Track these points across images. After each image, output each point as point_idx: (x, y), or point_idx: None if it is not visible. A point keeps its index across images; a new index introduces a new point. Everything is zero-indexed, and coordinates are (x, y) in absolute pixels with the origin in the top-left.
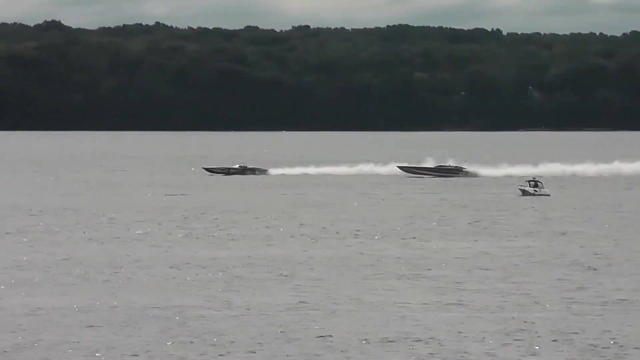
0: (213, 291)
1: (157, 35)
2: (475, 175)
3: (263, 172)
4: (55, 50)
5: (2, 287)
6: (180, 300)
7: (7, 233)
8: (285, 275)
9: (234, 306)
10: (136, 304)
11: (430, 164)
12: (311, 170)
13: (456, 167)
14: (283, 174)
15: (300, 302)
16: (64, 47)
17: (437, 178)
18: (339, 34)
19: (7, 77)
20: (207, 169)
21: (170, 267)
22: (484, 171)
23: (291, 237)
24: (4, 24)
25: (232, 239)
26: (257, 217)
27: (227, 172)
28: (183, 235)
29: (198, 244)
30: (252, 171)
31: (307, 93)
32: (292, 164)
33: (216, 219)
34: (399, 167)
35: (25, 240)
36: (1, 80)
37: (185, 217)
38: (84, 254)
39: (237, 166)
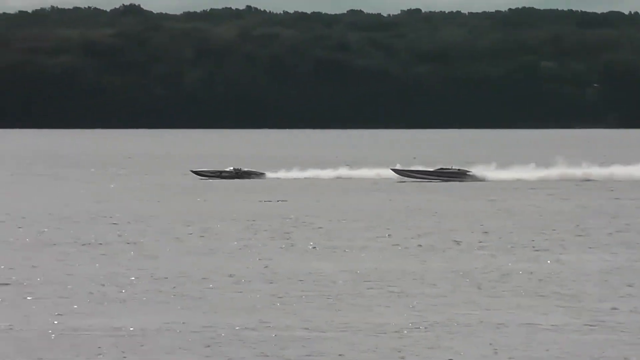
0: (316, 310)
1: (249, 20)
2: (482, 179)
3: (259, 175)
4: (134, 38)
5: (81, 304)
6: (280, 320)
7: (84, 244)
8: (399, 292)
9: (341, 327)
10: (230, 324)
11: (432, 166)
12: (308, 173)
13: (460, 170)
14: (279, 178)
15: (416, 321)
16: (144, 34)
17: (438, 182)
18: (455, 19)
19: (81, 67)
20: (196, 172)
21: (269, 282)
22: (493, 175)
23: (405, 248)
24: (77, 9)
25: (338, 250)
26: (366, 226)
27: (219, 175)
28: (282, 246)
29: (299, 256)
30: (248, 175)
31: (417, 85)
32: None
33: (320, 227)
34: (393, 170)
35: (105, 252)
36: (74, 71)
37: (284, 226)
38: (171, 267)
39: (230, 169)
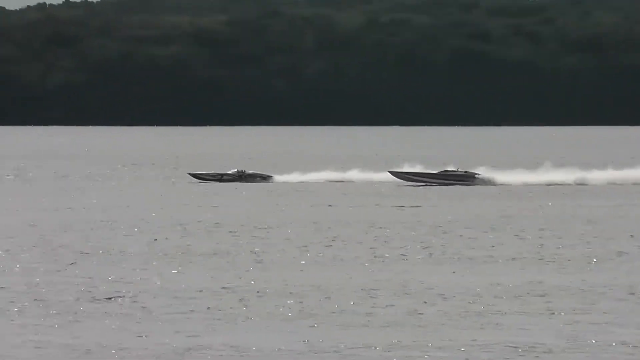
0: (458, 328)
1: (377, 5)
2: (491, 183)
3: (266, 178)
4: (250, 26)
5: (197, 320)
6: (416, 339)
7: (202, 254)
8: (552, 309)
9: (485, 347)
10: (361, 343)
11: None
12: (315, 176)
13: (467, 172)
14: (287, 181)
15: (572, 343)
16: (261, 21)
17: (441, 186)
18: (608, 3)
19: (191, 58)
20: (194, 175)
21: (405, 297)
22: (504, 178)
23: (558, 258)
24: None
25: (482, 262)
26: (516, 235)
27: (220, 178)
28: (419, 256)
29: (438, 268)
30: (252, 178)
31: (567, 77)
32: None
33: (460, 235)
34: (391, 172)
35: (223, 263)
36: (184, 62)
37: (421, 234)
38: (297, 279)
39: (233, 171)
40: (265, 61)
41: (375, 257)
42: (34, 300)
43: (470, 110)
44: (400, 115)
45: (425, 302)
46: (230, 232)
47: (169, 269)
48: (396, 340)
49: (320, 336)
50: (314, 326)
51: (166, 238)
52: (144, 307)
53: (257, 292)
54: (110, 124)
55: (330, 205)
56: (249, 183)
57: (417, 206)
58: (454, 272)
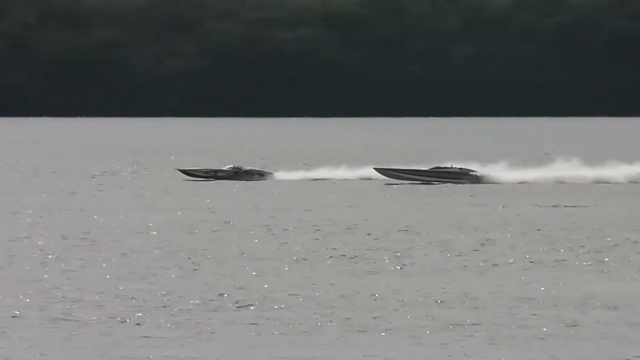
0: (627, 342)
1: None
2: (487, 180)
3: (264, 175)
4: (387, 7)
5: (335, 331)
6: (577, 352)
7: (337, 259)
8: None
9: None
10: (511, 357)
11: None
12: (315, 174)
13: (461, 169)
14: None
15: None
16: (400, 1)
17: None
18: None
19: (323, 43)
20: (183, 171)
21: (560, 306)
22: (502, 175)
23: None
24: None
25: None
26: None
27: (214, 175)
28: (581, 262)
29: (601, 275)
30: (250, 175)
31: None
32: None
33: (627, 238)
34: (377, 169)
35: (362, 268)
36: (314, 47)
37: (583, 236)
38: (444, 287)
39: (228, 167)
40: (404, 46)
41: (530, 262)
42: (155, 308)
43: (633, 100)
44: (552, 105)
45: (584, 313)
46: (369, 234)
47: (301, 275)
48: (552, 355)
49: (467, 350)
50: (460, 339)
51: (297, 241)
52: (274, 317)
53: (399, 300)
54: (232, 115)
55: (480, 205)
56: (246, 181)
57: (577, 206)
58: (618, 280)
